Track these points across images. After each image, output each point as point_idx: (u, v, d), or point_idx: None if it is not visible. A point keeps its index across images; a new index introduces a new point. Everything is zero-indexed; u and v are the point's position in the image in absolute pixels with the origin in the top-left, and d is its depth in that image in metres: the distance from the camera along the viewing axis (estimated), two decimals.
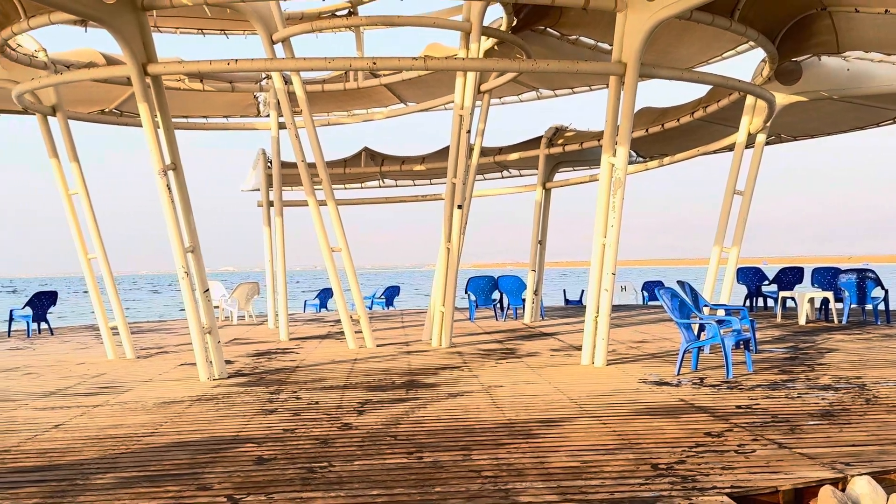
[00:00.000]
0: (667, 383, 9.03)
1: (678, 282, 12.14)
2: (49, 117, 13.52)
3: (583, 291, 24.50)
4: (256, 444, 6.58)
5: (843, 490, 4.97)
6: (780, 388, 8.51)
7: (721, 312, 11.60)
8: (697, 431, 6.52)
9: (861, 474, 5.07)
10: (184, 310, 10.84)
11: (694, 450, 5.89)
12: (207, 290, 10.57)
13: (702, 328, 10.74)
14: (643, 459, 5.67)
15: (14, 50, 12.64)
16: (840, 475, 5.08)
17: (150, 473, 5.74)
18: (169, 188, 10.05)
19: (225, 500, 5.04)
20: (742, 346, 10.10)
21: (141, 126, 10.10)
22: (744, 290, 19.36)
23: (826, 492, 4.84)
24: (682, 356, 9.74)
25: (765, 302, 19.69)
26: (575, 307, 23.12)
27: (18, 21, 10.88)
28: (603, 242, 10.42)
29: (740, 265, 16.94)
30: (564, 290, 25.83)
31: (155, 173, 10.04)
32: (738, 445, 5.99)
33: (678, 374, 9.58)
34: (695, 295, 11.75)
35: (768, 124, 13.81)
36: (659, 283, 21.24)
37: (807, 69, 13.84)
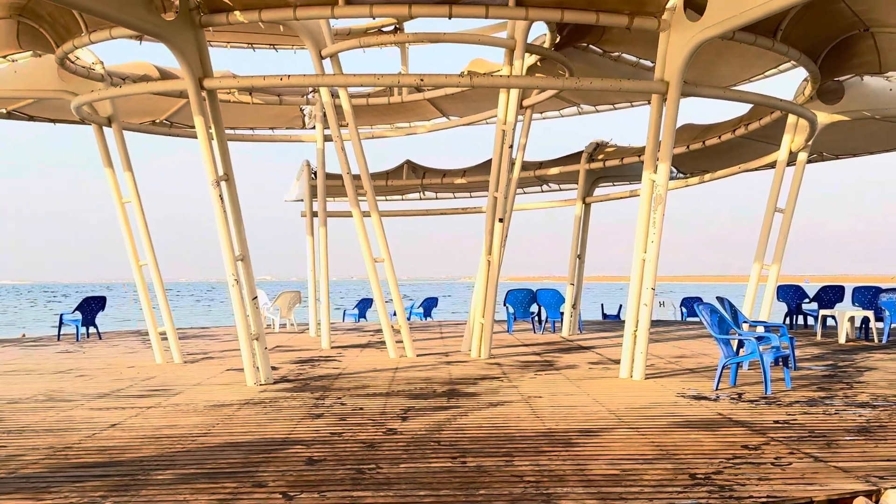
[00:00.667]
0: (705, 397, 9.16)
1: (717, 298, 12.26)
2: (104, 128, 13.99)
3: (620, 306, 24.58)
4: (305, 445, 6.85)
5: (877, 502, 5.10)
6: (817, 404, 8.61)
7: (760, 329, 11.68)
8: (735, 444, 6.66)
9: (895, 487, 5.19)
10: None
11: (731, 461, 6.05)
12: (256, 297, 10.89)
13: (741, 344, 10.83)
14: (681, 469, 5.84)
15: (73, 63, 13.11)
16: (874, 488, 5.21)
17: (206, 471, 6.02)
18: (221, 198, 10.40)
19: (280, 496, 5.30)
20: (781, 363, 10.18)
21: (191, 137, 10.46)
22: (784, 307, 19.31)
23: (860, 502, 4.97)
24: (721, 371, 9.86)
25: (805, 320, 19.63)
26: (612, 321, 23.19)
27: (80, 35, 11.32)
28: (643, 258, 10.58)
29: (781, 283, 16.98)
30: (602, 305, 25.89)
31: (208, 184, 10.39)
32: (775, 458, 6.13)
33: (716, 389, 9.70)
34: (734, 311, 11.86)
35: (810, 143, 13.87)
36: (698, 300, 21.21)
37: (849, 89, 13.90)
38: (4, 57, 13.80)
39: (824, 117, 13.91)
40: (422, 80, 10.39)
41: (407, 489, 5.43)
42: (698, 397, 9.18)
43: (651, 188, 10.50)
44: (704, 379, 10.65)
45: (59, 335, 19.56)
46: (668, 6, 10.00)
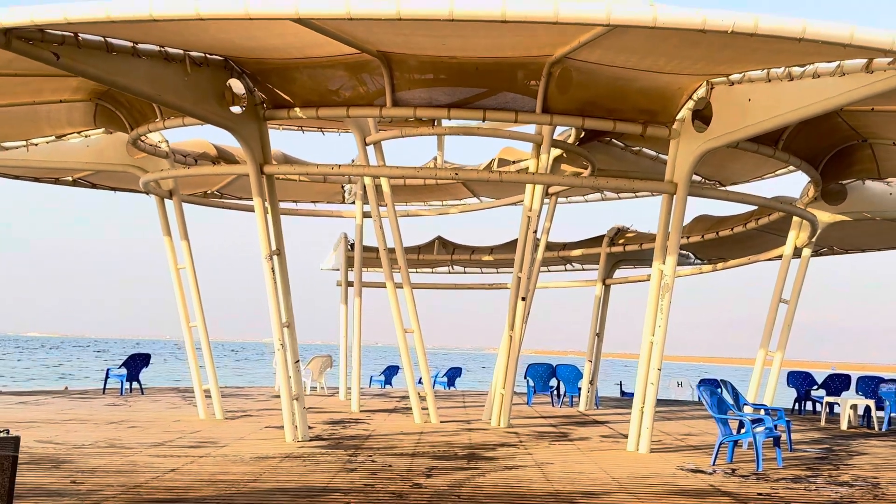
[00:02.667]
0: (701, 471, 10.09)
1: (720, 380, 13.20)
2: (165, 199, 15.37)
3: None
4: (343, 493, 7.90)
5: None
6: (801, 481, 9.51)
7: (761, 411, 12.59)
8: None
9: None
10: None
11: None
12: (298, 360, 12.02)
13: (742, 425, 11.74)
14: None
15: (142, 141, 14.55)
16: None
17: None
18: (273, 270, 11.63)
19: None
20: (775, 444, 11.07)
21: (241, 210, 11.69)
22: (794, 393, 20.10)
23: None
24: (718, 448, 10.79)
25: (814, 406, 20.38)
26: (630, 398, 23.94)
27: (154, 121, 12.75)
28: (651, 340, 11.62)
29: (795, 368, 17.84)
30: (621, 382, 26.67)
31: (262, 257, 11.64)
32: None
33: (713, 465, 10.62)
34: (735, 394, 12.80)
35: (813, 240, 14.93)
36: (715, 381, 22.08)
37: (851, 191, 15.00)
38: (79, 133, 15.32)
39: (827, 217, 14.99)
40: (456, 174, 11.70)
41: None
42: (695, 470, 10.12)
43: (659, 277, 11.60)
44: (705, 455, 11.55)
45: (104, 389, 20.75)
46: (678, 117, 11.24)
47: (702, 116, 11.12)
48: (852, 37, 6.91)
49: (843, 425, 16.22)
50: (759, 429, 10.64)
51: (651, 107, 11.14)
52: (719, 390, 11.59)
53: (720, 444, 10.79)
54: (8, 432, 6.42)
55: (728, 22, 6.98)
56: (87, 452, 10.20)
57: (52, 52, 8.82)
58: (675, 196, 11.33)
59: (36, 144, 15.14)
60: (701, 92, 10.77)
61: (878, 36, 6.89)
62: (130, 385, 20.67)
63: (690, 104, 11.02)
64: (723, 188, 12.93)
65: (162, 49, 10.02)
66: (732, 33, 7.04)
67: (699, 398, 24.47)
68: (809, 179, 14.49)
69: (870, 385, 17.27)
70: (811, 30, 6.87)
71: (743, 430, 11.36)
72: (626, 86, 10.76)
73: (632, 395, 24.87)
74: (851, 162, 13.75)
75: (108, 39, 9.32)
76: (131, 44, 9.62)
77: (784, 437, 11.64)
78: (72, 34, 8.86)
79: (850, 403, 16.29)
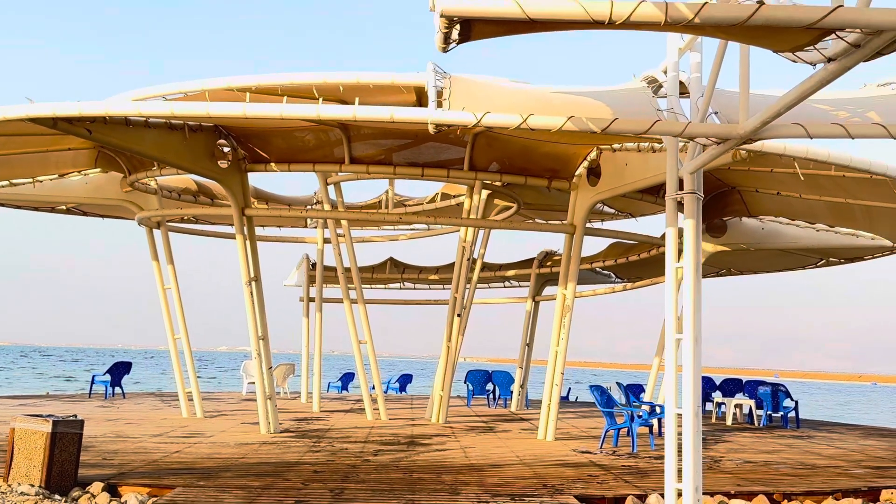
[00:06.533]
0: (589, 452, 12.99)
1: (617, 383, 16.17)
2: (154, 230, 17.96)
3: (570, 388, 28.43)
4: (310, 465, 10.65)
5: (644, 500, 8.94)
6: (662, 459, 12.43)
7: (647, 407, 15.55)
8: (584, 475, 10.51)
9: (658, 493, 9.04)
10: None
11: (574, 481, 9.89)
12: (271, 367, 14.72)
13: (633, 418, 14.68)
14: (542, 482, 9.68)
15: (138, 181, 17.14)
16: (643, 493, 9.07)
17: (252, 473, 9.82)
18: (252, 294, 14.32)
19: (301, 485, 9.11)
20: (650, 431, 14.03)
21: (213, 236, 14.33)
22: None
23: (630, 501, 8.83)
24: (605, 435, 13.73)
25: (716, 406, 23.47)
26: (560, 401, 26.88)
27: (151, 169, 15.39)
28: (556, 350, 14.51)
29: (726, 375, 20.74)
30: None
31: (243, 283, 14.33)
32: (601, 481, 9.98)
33: (601, 448, 13.53)
34: (628, 394, 15.77)
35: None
36: (639, 387, 25.17)
37: (731, 226, 18.08)
38: (79, 171, 17.85)
39: (710, 247, 18.06)
40: (401, 218, 14.48)
41: (375, 485, 9.25)
42: (584, 452, 13.02)
43: (563, 300, 14.51)
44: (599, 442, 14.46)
45: (90, 393, 23.16)
46: (576, 174, 14.18)
47: (596, 172, 14.07)
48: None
49: (729, 421, 19.29)
50: (636, 416, 13.59)
51: (554, 166, 14.07)
52: (609, 390, 14.49)
53: (606, 431, 13.73)
54: (76, 416, 9.11)
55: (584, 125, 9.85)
56: (103, 441, 12.78)
57: (86, 129, 11.49)
58: (574, 235, 14.27)
59: (41, 181, 17.64)
60: (592, 155, 13.72)
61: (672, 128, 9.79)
62: (114, 390, 23.09)
63: (585, 164, 13.96)
64: (613, 230, 15.96)
65: (167, 120, 12.71)
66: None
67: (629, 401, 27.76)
68: None
69: (754, 387, 20.34)
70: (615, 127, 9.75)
71: (621, 420, 14.29)
72: (534, 150, 13.67)
73: (564, 398, 28.15)
74: (725, 204, 16.81)
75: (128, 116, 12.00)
76: (144, 118, 12.30)
77: (657, 427, 14.59)
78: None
79: (734, 403, 19.37)
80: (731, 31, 4.68)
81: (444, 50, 4.38)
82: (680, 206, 8.06)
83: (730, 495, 9.37)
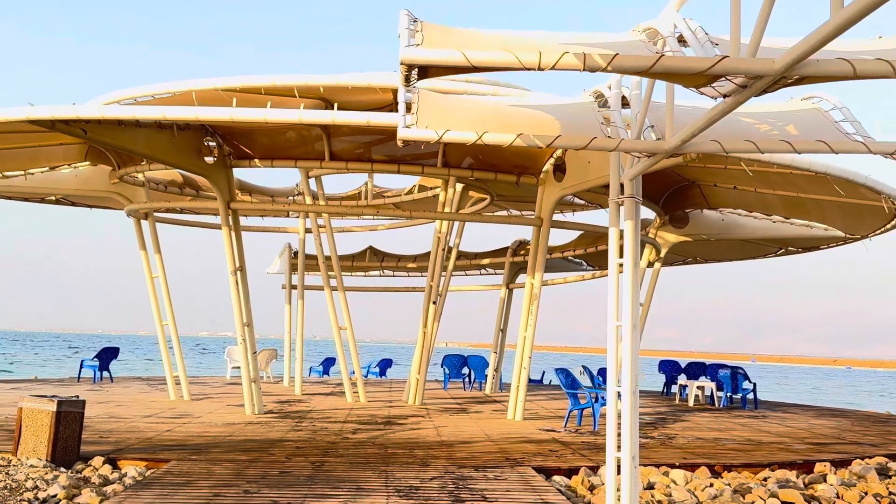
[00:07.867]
0: (553, 430, 13.94)
1: (583, 366, 17.14)
2: (142, 220, 18.71)
3: (544, 372, 29.44)
4: (293, 442, 11.53)
5: (596, 471, 9.90)
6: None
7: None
8: (546, 449, 11.45)
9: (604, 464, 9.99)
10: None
11: (535, 455, 10.83)
12: (255, 352, 15.57)
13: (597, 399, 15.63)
14: (506, 456, 10.61)
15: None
16: (595, 465, 10.02)
17: (239, 448, 10.70)
18: (237, 283, 15.14)
19: (284, 459, 10.00)
20: None
21: (199, 226, 15.15)
22: (663, 378, 24.26)
23: (583, 472, 9.78)
24: (569, 415, 14.69)
25: (680, 389, 24.54)
26: (534, 384, 27.93)
27: (140, 164, 16.15)
28: (524, 335, 15.43)
29: (685, 358, 21.70)
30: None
31: (229, 272, 15.15)
32: (559, 455, 10.93)
33: (565, 427, 14.49)
34: (591, 377, 16.73)
35: (661, 256, 18.98)
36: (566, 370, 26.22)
37: (693, 218, 19.08)
38: (69, 164, 18.57)
39: (673, 237, 19.07)
40: (377, 211, 15.34)
41: (352, 458, 10.15)
42: (549, 430, 13.97)
43: (531, 289, 15.43)
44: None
45: (79, 377, 23.92)
46: (543, 170, 15.07)
47: (562, 169, 14.97)
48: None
49: (691, 402, 20.33)
50: (596, 398, 14.55)
51: (523, 163, 14.96)
52: (573, 373, 15.45)
53: (570, 411, 14.69)
54: (77, 397, 9.96)
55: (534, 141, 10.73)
56: (97, 421, 13.61)
57: (82, 129, 12.26)
58: (541, 228, 15.18)
59: (32, 174, 18.35)
60: (558, 153, 14.61)
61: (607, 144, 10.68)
62: (102, 374, 23.86)
63: (552, 161, 14.86)
64: (578, 222, 16.91)
65: (157, 120, 13.48)
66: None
67: (596, 384, 28.82)
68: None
69: (715, 370, 21.38)
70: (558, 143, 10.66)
71: (584, 400, 15.24)
72: (504, 148, 14.51)
73: (537, 381, 29.17)
74: (686, 198, 17.80)
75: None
76: (135, 119, 13.06)
77: None
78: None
79: (695, 385, 20.41)
80: (640, 74, 5.59)
81: (407, 87, 5.21)
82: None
83: (674, 466, 10.34)
